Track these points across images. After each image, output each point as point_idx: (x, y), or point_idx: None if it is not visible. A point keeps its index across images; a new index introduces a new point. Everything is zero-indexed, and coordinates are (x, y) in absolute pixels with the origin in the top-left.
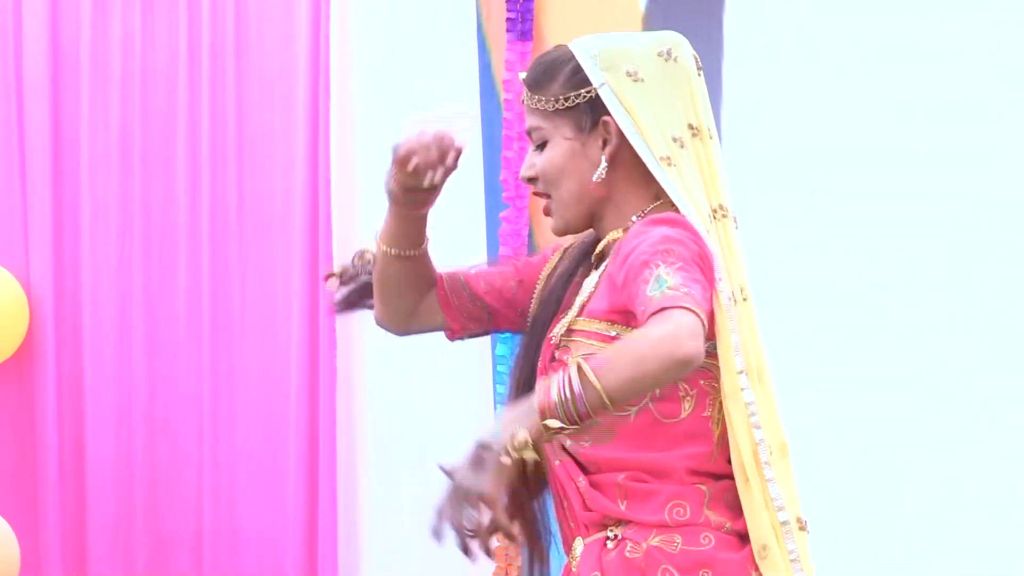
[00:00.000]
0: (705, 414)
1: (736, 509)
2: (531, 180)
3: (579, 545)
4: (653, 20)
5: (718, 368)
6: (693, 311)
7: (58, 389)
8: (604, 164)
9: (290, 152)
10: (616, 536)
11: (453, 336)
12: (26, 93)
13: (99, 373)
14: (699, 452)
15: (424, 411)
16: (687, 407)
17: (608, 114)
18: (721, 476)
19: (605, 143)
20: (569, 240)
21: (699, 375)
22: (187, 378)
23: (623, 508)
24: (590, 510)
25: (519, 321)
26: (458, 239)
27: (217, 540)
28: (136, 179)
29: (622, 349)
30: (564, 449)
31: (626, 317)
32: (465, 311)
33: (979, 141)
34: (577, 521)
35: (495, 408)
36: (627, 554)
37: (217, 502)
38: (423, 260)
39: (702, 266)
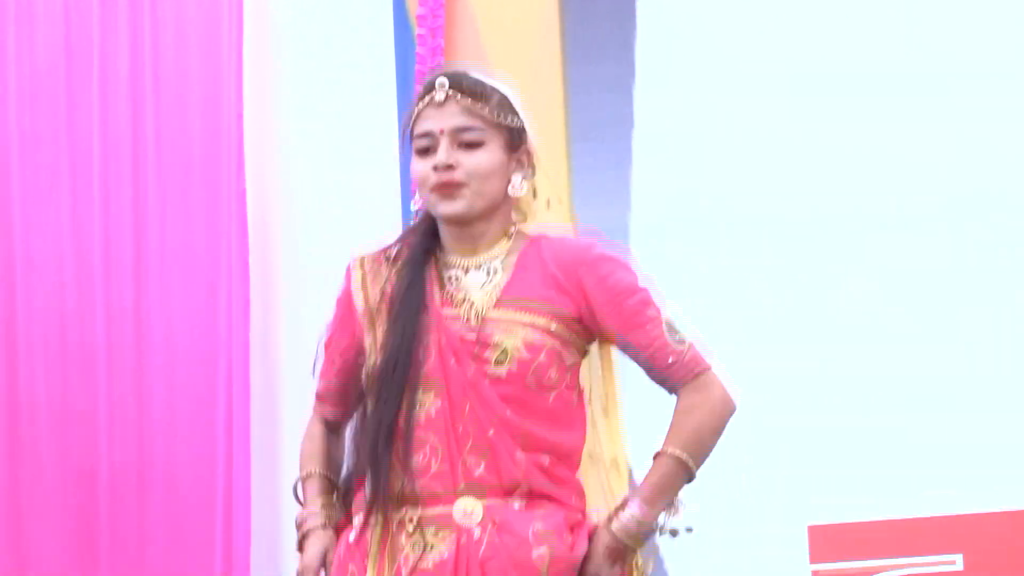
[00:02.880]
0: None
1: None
2: (448, 168)
3: (475, 506)
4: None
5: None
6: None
7: None
8: (525, 185)
9: (209, 84)
10: (520, 505)
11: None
12: None
13: (30, 305)
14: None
15: None
16: (575, 398)
17: (528, 146)
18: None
19: (520, 167)
20: (357, 255)
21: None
22: (110, 312)
23: (548, 487)
24: (509, 477)
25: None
26: (371, 170)
27: (142, 476)
28: (61, 113)
29: (703, 427)
30: (500, 421)
31: (572, 319)
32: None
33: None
34: (473, 482)
35: None
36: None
37: (142, 439)
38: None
39: None
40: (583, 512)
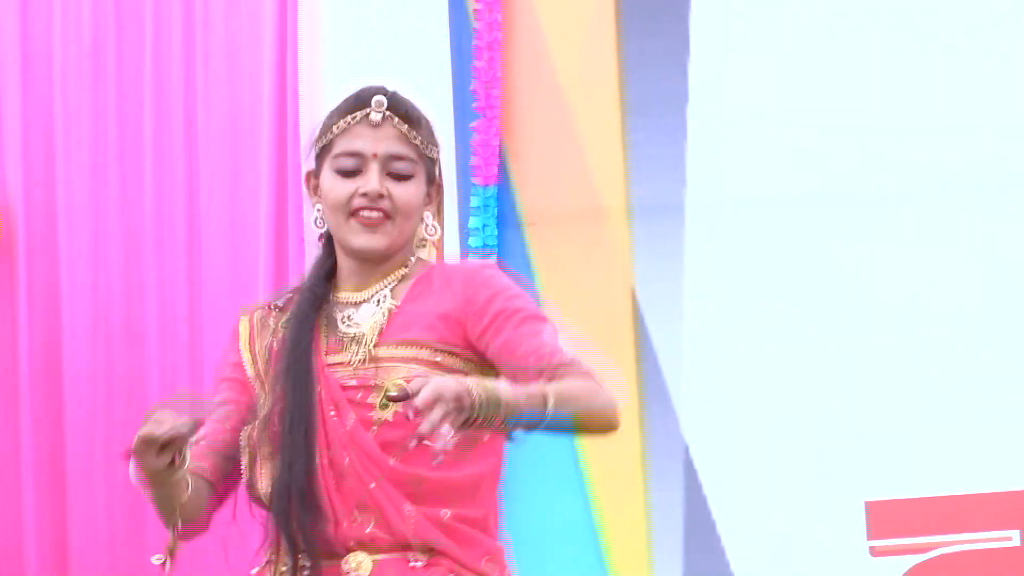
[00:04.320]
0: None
1: None
2: (380, 198)
3: (363, 559)
4: None
5: None
6: None
7: (29, 300)
8: (438, 229)
9: (257, 61)
10: (419, 564)
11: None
12: None
13: (75, 283)
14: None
15: None
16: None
17: (439, 181)
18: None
19: (431, 202)
20: (244, 311)
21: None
22: (162, 288)
23: (448, 545)
24: (400, 533)
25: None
26: None
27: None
28: (110, 88)
29: (580, 393)
30: (381, 473)
31: (462, 348)
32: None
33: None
34: (364, 540)
35: None
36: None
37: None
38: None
39: None
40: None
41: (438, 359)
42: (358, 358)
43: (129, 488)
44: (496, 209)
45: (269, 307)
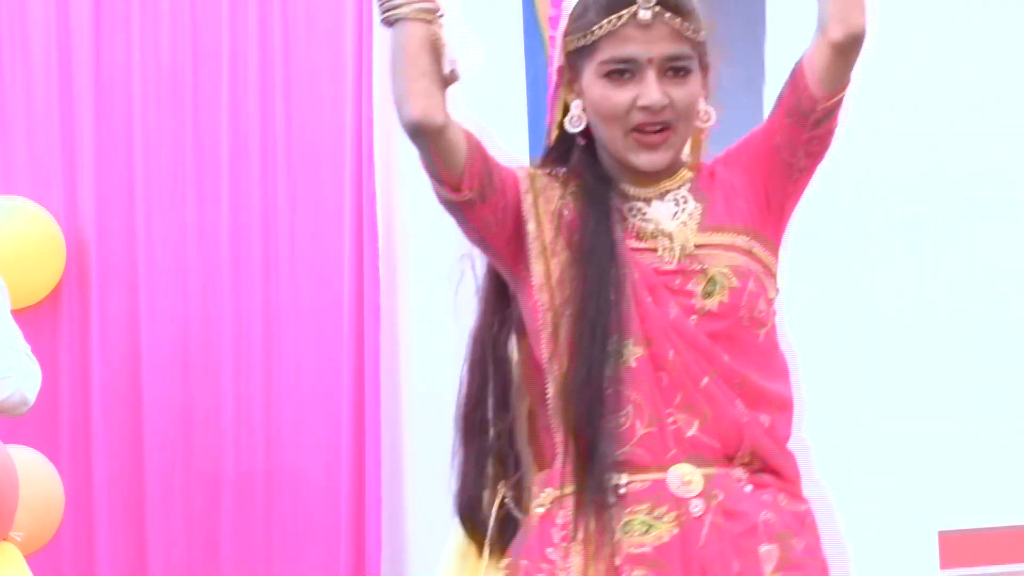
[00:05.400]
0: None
1: None
2: (662, 109)
3: (692, 473)
4: None
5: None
6: None
7: (103, 328)
8: (712, 114)
9: (338, 86)
10: (743, 476)
11: (460, 192)
12: (72, 29)
13: (154, 312)
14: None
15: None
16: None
17: (708, 61)
18: None
19: (705, 89)
20: (526, 167)
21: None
22: (238, 317)
23: (774, 454)
24: (729, 437)
25: (493, 227)
26: None
27: (270, 481)
28: (187, 116)
29: None
30: (713, 368)
31: (759, 228)
32: (479, 171)
33: None
34: (686, 445)
35: None
36: (785, 505)
37: (269, 444)
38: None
39: None
40: (804, 499)
41: (754, 248)
42: (672, 252)
43: (207, 516)
44: None
45: (550, 172)
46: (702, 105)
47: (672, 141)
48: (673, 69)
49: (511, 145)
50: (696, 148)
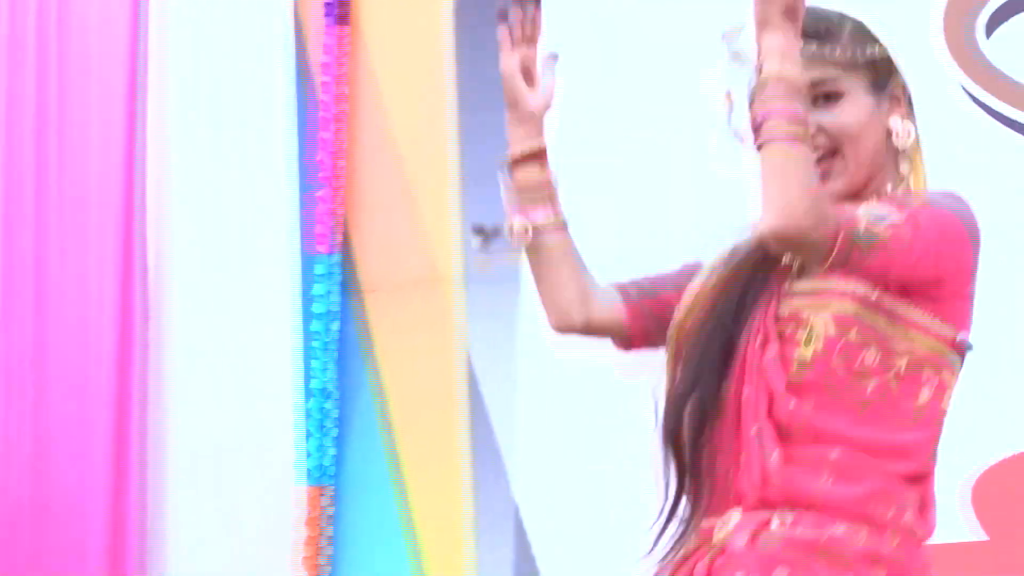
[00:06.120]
0: (942, 406)
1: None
2: (812, 137)
3: (733, 516)
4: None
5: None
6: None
7: None
8: (912, 129)
9: (108, 128)
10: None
11: (633, 346)
12: None
13: None
14: (924, 444)
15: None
16: (926, 393)
17: (899, 78)
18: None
19: (897, 105)
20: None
21: (944, 365)
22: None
23: (828, 485)
24: (765, 487)
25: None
26: (266, 219)
27: (34, 514)
28: None
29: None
30: (768, 415)
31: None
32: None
33: None
34: (732, 494)
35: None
36: (796, 534)
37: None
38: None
39: (941, 242)
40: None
41: (884, 300)
42: (796, 289)
43: None
44: (339, 276)
45: None
46: (896, 123)
47: (836, 166)
48: (823, 96)
49: (280, 178)
50: (916, 171)
